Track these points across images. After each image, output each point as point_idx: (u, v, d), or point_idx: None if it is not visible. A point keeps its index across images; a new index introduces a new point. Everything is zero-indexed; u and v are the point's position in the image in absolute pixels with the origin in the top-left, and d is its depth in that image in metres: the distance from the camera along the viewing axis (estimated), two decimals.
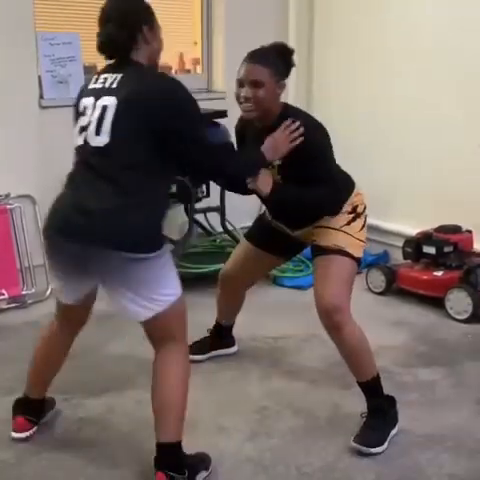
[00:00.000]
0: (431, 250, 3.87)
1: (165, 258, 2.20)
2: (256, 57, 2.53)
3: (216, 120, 4.13)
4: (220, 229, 4.47)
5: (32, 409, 2.58)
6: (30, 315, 3.77)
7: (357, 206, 2.67)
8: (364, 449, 2.45)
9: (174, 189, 4.19)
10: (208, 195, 4.29)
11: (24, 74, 3.89)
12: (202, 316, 3.67)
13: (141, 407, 2.79)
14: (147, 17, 2.25)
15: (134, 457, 2.45)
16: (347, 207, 2.65)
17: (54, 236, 2.23)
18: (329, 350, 3.26)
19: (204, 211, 4.32)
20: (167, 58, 4.76)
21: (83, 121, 2.18)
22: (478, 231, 3.90)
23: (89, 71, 4.24)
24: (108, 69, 2.24)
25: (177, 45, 4.83)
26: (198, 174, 2.40)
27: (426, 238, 3.92)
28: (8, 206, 3.90)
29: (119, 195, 2.09)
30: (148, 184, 2.13)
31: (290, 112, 2.57)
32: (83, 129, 2.18)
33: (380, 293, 4.06)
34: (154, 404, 2.28)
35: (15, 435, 2.54)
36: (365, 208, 2.71)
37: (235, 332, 3.35)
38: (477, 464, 2.42)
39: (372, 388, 2.57)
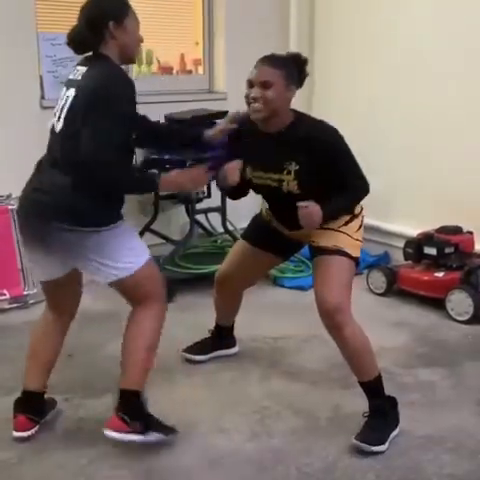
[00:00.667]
0: (432, 251, 3.87)
1: (119, 231, 2.39)
2: (268, 60, 2.57)
3: (218, 121, 4.13)
4: (221, 230, 4.47)
5: (33, 407, 2.59)
6: (31, 315, 3.75)
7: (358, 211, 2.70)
8: (365, 447, 2.46)
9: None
10: (209, 196, 4.30)
11: (25, 74, 3.90)
12: (203, 316, 3.68)
13: None
14: (115, 13, 2.36)
15: (134, 457, 2.45)
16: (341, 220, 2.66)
17: (19, 215, 2.56)
18: (329, 351, 3.27)
19: (205, 211, 4.33)
20: (168, 59, 4.78)
21: (55, 109, 2.45)
22: (479, 232, 3.90)
23: None
24: (82, 62, 2.44)
25: (178, 46, 4.83)
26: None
27: (427, 239, 3.92)
28: (9, 206, 3.90)
29: (66, 173, 2.31)
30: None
31: (302, 120, 2.60)
32: (54, 116, 2.45)
33: (381, 294, 4.06)
34: (121, 354, 2.51)
35: (16, 434, 2.54)
36: (362, 209, 2.72)
37: (235, 332, 3.35)
38: (477, 465, 2.42)
39: (373, 388, 2.57)
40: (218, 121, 3.93)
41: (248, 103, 2.57)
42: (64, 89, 2.41)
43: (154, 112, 4.12)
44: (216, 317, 3.25)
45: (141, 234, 4.25)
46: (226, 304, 3.18)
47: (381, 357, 3.06)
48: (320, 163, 2.52)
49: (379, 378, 2.58)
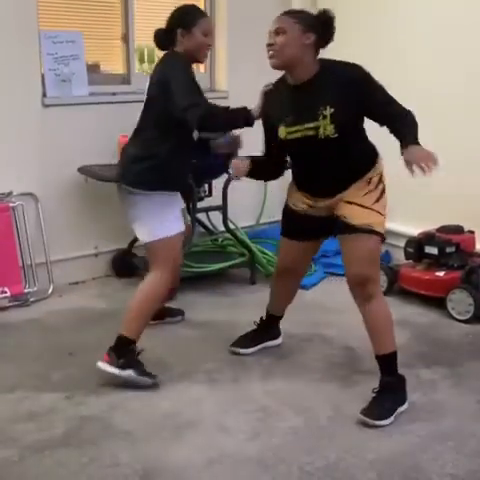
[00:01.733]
0: (433, 250, 3.87)
1: (164, 199, 2.92)
2: (287, 11, 2.71)
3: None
4: (222, 228, 4.47)
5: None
6: (32, 313, 3.77)
7: (381, 175, 2.77)
8: (370, 421, 2.59)
9: None
10: (210, 194, 4.29)
11: (27, 72, 3.89)
12: (204, 315, 3.69)
13: (143, 405, 2.80)
14: (184, 22, 2.97)
15: (136, 456, 2.45)
16: (375, 177, 2.74)
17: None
18: (331, 350, 3.29)
19: (206, 210, 4.32)
20: None
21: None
22: None
23: (92, 70, 4.26)
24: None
25: None
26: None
27: (428, 238, 3.92)
28: (10, 204, 3.90)
29: (137, 147, 2.99)
30: (157, 141, 2.90)
31: (329, 66, 2.67)
32: None
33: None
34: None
35: None
36: (381, 177, 2.78)
37: (236, 332, 3.35)
38: (479, 464, 2.42)
39: (388, 362, 2.72)
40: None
41: (267, 52, 2.69)
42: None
43: None
44: (269, 306, 3.28)
45: None
46: (285, 293, 3.23)
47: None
48: (355, 102, 2.59)
49: (395, 354, 2.72)
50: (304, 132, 2.67)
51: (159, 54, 4.66)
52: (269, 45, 2.66)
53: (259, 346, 3.28)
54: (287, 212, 3.02)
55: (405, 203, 4.39)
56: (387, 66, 4.41)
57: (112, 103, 4.21)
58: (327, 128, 2.62)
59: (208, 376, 3.06)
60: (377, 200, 2.72)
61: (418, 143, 2.54)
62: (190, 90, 2.80)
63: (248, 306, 3.85)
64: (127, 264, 4.30)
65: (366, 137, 2.77)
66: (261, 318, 3.32)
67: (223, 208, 4.27)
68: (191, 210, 4.13)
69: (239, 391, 2.94)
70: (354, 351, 3.28)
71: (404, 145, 2.52)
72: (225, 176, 4.17)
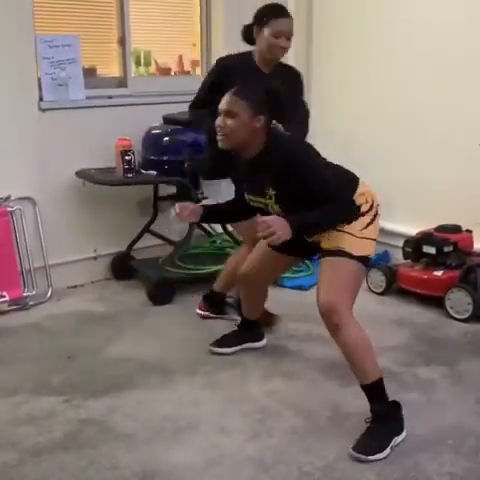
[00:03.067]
0: (431, 250, 3.87)
1: None
2: (237, 90, 2.64)
3: None
4: (220, 230, 4.47)
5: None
6: (31, 317, 3.77)
7: (360, 206, 2.64)
8: (362, 457, 2.42)
9: (174, 190, 4.22)
10: (208, 196, 4.29)
11: (23, 77, 3.89)
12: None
13: (142, 408, 2.80)
14: (258, 20, 3.23)
15: (135, 458, 2.45)
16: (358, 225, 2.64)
17: None
18: (330, 350, 3.27)
19: None
20: (166, 60, 4.79)
21: None
22: (478, 231, 3.90)
23: (89, 74, 4.27)
24: None
25: (176, 47, 4.84)
26: None
27: (426, 238, 3.93)
28: (8, 208, 3.91)
29: None
30: None
31: (275, 144, 2.62)
32: None
33: (380, 293, 4.06)
34: None
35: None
36: (372, 206, 2.67)
37: (231, 326, 3.36)
38: (478, 463, 2.42)
39: (372, 392, 2.53)
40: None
41: (217, 132, 2.66)
42: None
43: (152, 113, 4.17)
44: (242, 310, 3.28)
45: (141, 235, 4.27)
46: (252, 299, 3.21)
47: (381, 356, 3.06)
48: (293, 184, 2.53)
49: (378, 382, 2.53)
50: (258, 204, 2.72)
51: (156, 57, 4.72)
52: (218, 127, 2.62)
53: (239, 347, 3.27)
54: None
55: (403, 203, 4.40)
56: (386, 64, 4.44)
57: (109, 106, 4.21)
58: (274, 207, 2.65)
59: (207, 377, 3.06)
60: (348, 222, 2.61)
61: (296, 223, 2.49)
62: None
63: None
64: (126, 267, 4.30)
65: (329, 190, 2.55)
66: (242, 320, 3.31)
67: None
68: None
69: (238, 392, 2.94)
70: None
71: (291, 221, 2.48)
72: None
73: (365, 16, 4.50)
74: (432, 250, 3.87)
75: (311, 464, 2.41)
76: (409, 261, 4.02)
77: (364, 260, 2.65)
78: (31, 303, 3.90)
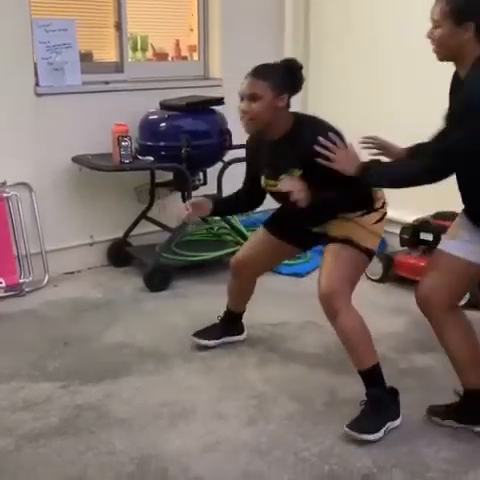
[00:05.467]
0: (428, 237, 3.87)
1: None
2: (257, 71, 2.59)
3: (213, 107, 4.12)
4: (217, 217, 4.46)
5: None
6: (27, 303, 3.77)
7: (374, 200, 2.68)
8: (355, 435, 2.45)
9: (171, 176, 4.21)
10: (205, 183, 4.28)
11: (19, 61, 3.86)
12: (199, 303, 3.69)
13: (138, 393, 2.81)
14: None
15: (131, 443, 2.46)
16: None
17: None
18: (326, 336, 3.28)
19: None
20: (163, 45, 4.75)
21: None
22: None
23: (85, 58, 4.24)
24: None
25: (173, 32, 4.80)
26: None
27: (423, 225, 3.92)
28: (4, 194, 3.89)
29: None
30: None
31: (301, 124, 2.61)
32: None
33: (378, 280, 4.06)
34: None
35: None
36: (383, 204, 2.73)
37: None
38: (473, 448, 2.43)
39: (369, 377, 2.55)
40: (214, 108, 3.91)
41: (240, 117, 2.60)
42: None
43: (149, 99, 4.15)
44: (228, 302, 3.23)
45: (137, 222, 4.26)
46: (240, 290, 3.17)
47: (378, 343, 3.06)
48: (319, 166, 2.48)
49: (375, 368, 2.55)
50: (277, 188, 2.63)
51: (153, 42, 4.69)
52: (244, 112, 2.57)
53: (221, 340, 3.22)
54: (283, 209, 2.91)
55: (400, 190, 4.37)
56: (383, 62, 4.41)
57: (105, 92, 4.18)
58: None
59: (204, 364, 3.06)
60: (362, 215, 2.64)
61: (315, 195, 2.51)
62: None
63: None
64: (123, 253, 4.29)
65: (357, 186, 2.53)
66: (224, 312, 3.26)
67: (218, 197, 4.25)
68: (186, 199, 4.13)
69: (235, 378, 2.94)
70: None
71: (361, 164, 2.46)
72: (220, 164, 4.17)
73: (363, 23, 4.47)
74: (429, 237, 3.86)
75: (307, 450, 2.42)
76: (406, 248, 4.02)
77: (369, 253, 2.66)
78: (27, 289, 3.90)
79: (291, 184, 2.53)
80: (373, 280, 4.08)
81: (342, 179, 2.47)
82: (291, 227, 2.85)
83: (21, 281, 3.91)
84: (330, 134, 2.50)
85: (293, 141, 2.59)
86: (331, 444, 2.45)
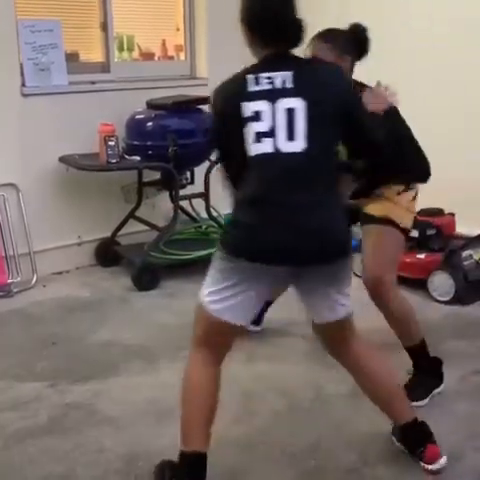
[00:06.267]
0: (414, 233, 3.88)
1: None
2: (320, 35, 2.66)
3: (200, 106, 4.14)
4: (205, 215, 4.48)
5: None
6: (16, 303, 3.77)
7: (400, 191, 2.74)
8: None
9: (158, 176, 4.22)
10: (192, 182, 4.30)
11: (5, 62, 3.87)
12: (188, 302, 3.68)
13: (126, 392, 2.82)
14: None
15: (120, 441, 2.47)
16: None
17: (271, 262, 2.00)
18: (313, 333, 3.30)
19: (189, 197, 4.33)
20: (150, 45, 4.76)
21: (260, 127, 2.01)
22: (460, 214, 3.93)
23: (71, 58, 4.24)
24: (266, 67, 2.06)
25: (160, 32, 4.81)
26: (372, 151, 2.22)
27: None
28: None
29: (332, 201, 2.06)
30: (336, 183, 2.11)
31: (361, 86, 2.66)
32: (264, 135, 2.01)
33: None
34: (374, 393, 2.34)
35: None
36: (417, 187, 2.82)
37: None
38: (458, 439, 2.46)
39: (416, 352, 2.77)
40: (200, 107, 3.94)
41: None
42: (257, 103, 2.01)
43: (135, 98, 4.16)
44: None
45: (125, 221, 4.27)
46: None
47: (368, 339, 3.09)
48: None
49: (422, 343, 2.76)
50: None
51: (139, 42, 4.70)
52: None
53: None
54: None
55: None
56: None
57: (92, 92, 4.20)
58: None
59: None
60: (398, 193, 2.72)
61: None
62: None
63: None
64: (111, 253, 4.30)
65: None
66: None
67: (205, 195, 4.28)
68: (174, 197, 4.15)
69: (223, 375, 2.92)
70: None
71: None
72: (207, 163, 4.18)
73: (360, 13, 4.46)
74: (415, 233, 3.88)
75: (294, 445, 2.44)
76: None
77: (407, 232, 2.75)
78: (15, 290, 3.90)
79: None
80: (360, 277, 4.08)
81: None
82: None
83: (9, 281, 3.91)
84: None
85: None
86: (317, 439, 2.47)
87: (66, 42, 4.13)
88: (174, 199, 4.15)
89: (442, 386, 2.79)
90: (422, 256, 3.84)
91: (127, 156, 4.02)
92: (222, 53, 4.54)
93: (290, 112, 1.98)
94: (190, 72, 4.77)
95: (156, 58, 4.78)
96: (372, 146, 2.18)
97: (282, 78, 2.01)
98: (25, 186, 4.00)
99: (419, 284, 3.80)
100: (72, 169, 3.99)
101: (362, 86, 2.67)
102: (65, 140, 4.06)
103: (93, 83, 4.27)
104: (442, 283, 3.69)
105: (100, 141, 3.91)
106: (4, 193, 3.93)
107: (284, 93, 2.00)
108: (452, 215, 3.97)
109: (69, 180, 4.11)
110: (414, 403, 2.59)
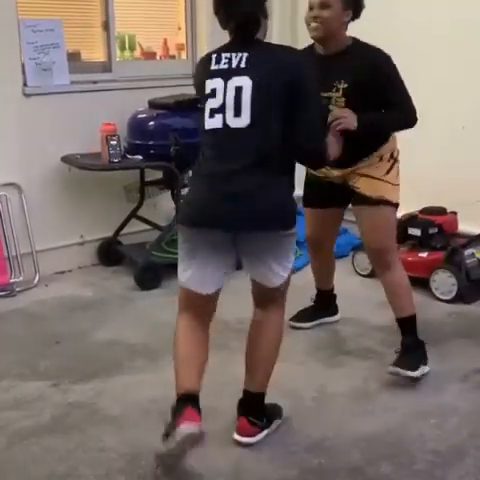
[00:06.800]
0: (416, 232, 3.90)
1: (295, 235, 2.36)
2: None
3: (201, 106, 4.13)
4: None
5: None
6: (18, 303, 3.78)
7: (394, 151, 2.90)
8: (401, 371, 2.75)
9: (161, 175, 4.22)
10: None
11: (7, 62, 3.86)
12: None
13: (129, 391, 2.83)
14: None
15: (122, 440, 2.48)
16: (387, 154, 2.86)
17: (203, 226, 2.24)
18: (315, 332, 3.32)
19: None
20: (151, 44, 4.76)
21: (213, 105, 2.21)
22: (462, 212, 3.93)
23: (73, 58, 4.24)
24: (229, 49, 2.26)
25: (161, 31, 4.81)
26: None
27: (411, 220, 3.95)
28: None
29: (266, 174, 2.19)
30: (283, 159, 2.25)
31: (359, 44, 2.78)
32: (216, 111, 2.21)
33: (367, 275, 4.08)
34: (249, 358, 2.50)
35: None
36: (398, 153, 2.92)
37: (223, 315, 3.36)
38: (460, 440, 2.46)
39: (408, 325, 2.90)
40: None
41: (308, 24, 2.76)
42: (215, 81, 2.22)
43: (137, 98, 4.16)
44: (316, 283, 3.37)
45: (127, 220, 4.27)
46: (322, 265, 3.33)
47: (367, 337, 3.11)
48: (369, 85, 2.69)
49: (414, 317, 2.91)
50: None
51: (141, 41, 4.70)
52: (314, 17, 2.73)
53: (316, 321, 3.37)
54: (308, 182, 3.10)
55: None
56: None
57: (94, 91, 4.20)
58: (337, 101, 2.75)
59: None
60: (387, 171, 2.85)
61: (362, 121, 2.68)
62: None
63: (233, 291, 3.84)
64: (113, 252, 4.31)
65: (402, 102, 2.81)
66: (316, 295, 3.40)
67: None
68: (176, 197, 4.15)
69: (224, 374, 2.95)
70: (338, 333, 3.31)
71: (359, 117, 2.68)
72: None
73: None
74: (417, 232, 3.89)
75: (296, 444, 2.44)
76: None
77: (397, 206, 2.89)
78: (18, 289, 3.90)
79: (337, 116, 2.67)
80: (362, 275, 4.10)
81: (387, 105, 2.72)
82: (322, 191, 3.02)
83: (12, 281, 3.92)
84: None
85: (347, 59, 2.74)
86: (320, 438, 2.48)
87: (68, 42, 4.12)
88: (176, 198, 4.15)
89: (428, 368, 2.85)
90: (424, 255, 3.84)
91: (129, 155, 4.02)
92: None
93: (238, 90, 2.16)
94: (192, 71, 4.73)
95: (158, 57, 4.77)
96: (302, 138, 2.22)
97: (238, 58, 2.20)
98: (27, 186, 4.01)
99: (421, 283, 3.80)
100: (74, 169, 3.99)
101: (360, 42, 2.79)
102: (67, 140, 4.06)
103: (95, 83, 4.26)
104: (444, 282, 3.69)
105: (102, 140, 3.92)
106: (6, 193, 3.94)
107: (236, 72, 2.19)
108: (454, 214, 3.97)
109: (71, 180, 4.12)
110: (411, 373, 2.75)
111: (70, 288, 3.98)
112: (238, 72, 2.18)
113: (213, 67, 2.23)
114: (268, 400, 2.73)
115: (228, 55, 2.22)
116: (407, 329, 2.91)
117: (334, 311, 3.43)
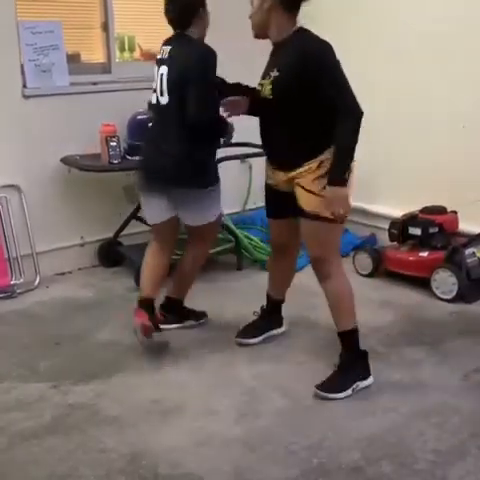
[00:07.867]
0: (417, 231, 3.90)
1: (217, 191, 3.15)
2: None
3: None
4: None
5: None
6: (19, 304, 3.78)
7: (323, 162, 2.70)
8: (321, 394, 2.71)
9: None
10: None
11: (6, 63, 3.86)
12: (191, 301, 3.71)
13: (129, 391, 2.83)
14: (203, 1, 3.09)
15: (123, 441, 2.48)
16: (327, 161, 2.68)
17: (147, 174, 3.13)
18: (316, 332, 3.32)
19: None
20: (150, 45, 4.75)
21: (153, 85, 3.05)
22: (463, 212, 3.93)
23: (72, 59, 4.25)
24: (165, 42, 3.07)
25: (160, 32, 4.79)
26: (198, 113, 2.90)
27: (411, 219, 3.95)
28: None
29: (182, 141, 2.94)
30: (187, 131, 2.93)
31: (302, 35, 2.72)
32: (154, 91, 3.05)
33: (367, 275, 4.09)
34: (176, 273, 3.35)
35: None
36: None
37: (223, 315, 3.37)
38: (461, 440, 2.46)
39: (345, 339, 2.81)
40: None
41: None
42: (156, 68, 3.03)
43: (137, 99, 4.15)
44: (269, 290, 3.27)
45: (127, 222, 4.27)
46: (281, 274, 3.23)
47: (367, 336, 3.10)
48: (302, 75, 2.62)
49: (352, 332, 2.80)
50: (259, 87, 2.83)
51: (140, 42, 4.69)
52: (249, 17, 2.82)
53: (265, 335, 3.26)
54: (266, 193, 3.06)
55: (388, 185, 4.43)
56: (373, 49, 4.43)
57: (93, 93, 4.20)
58: (266, 89, 2.74)
59: (195, 361, 3.08)
60: (324, 187, 2.67)
61: (342, 179, 2.63)
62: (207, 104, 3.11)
63: (235, 292, 3.87)
64: (113, 253, 4.30)
65: (323, 122, 2.65)
66: (262, 307, 3.30)
67: None
68: None
69: (226, 375, 2.96)
70: None
71: (330, 180, 2.64)
72: None
73: (356, 16, 4.50)
74: (417, 231, 3.89)
75: (297, 444, 2.44)
76: (395, 243, 4.05)
77: (334, 221, 2.74)
78: (19, 291, 3.91)
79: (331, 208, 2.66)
80: (363, 275, 4.10)
81: (322, 99, 2.62)
82: (277, 200, 2.96)
83: (12, 283, 3.92)
84: None
85: (288, 45, 2.71)
86: (320, 438, 2.47)
87: (67, 43, 4.12)
88: None
89: (370, 380, 2.79)
90: (425, 254, 3.84)
91: (129, 156, 4.02)
92: (222, 53, 4.52)
93: (162, 76, 2.97)
94: None
95: None
96: (190, 108, 2.87)
97: (166, 51, 2.99)
98: (27, 187, 4.01)
99: (422, 282, 3.80)
100: (74, 170, 3.99)
101: (305, 31, 2.74)
102: (67, 141, 4.06)
103: (94, 84, 4.26)
104: (445, 281, 3.68)
105: (102, 142, 3.92)
106: (6, 194, 3.94)
107: (162, 62, 2.98)
108: (455, 213, 3.97)
109: (71, 181, 4.12)
110: (331, 395, 2.69)
111: (70, 289, 3.98)
112: (163, 62, 2.97)
113: (158, 57, 3.05)
114: (268, 400, 2.74)
115: (164, 47, 3.01)
116: (344, 344, 2.82)
117: (280, 323, 3.32)
